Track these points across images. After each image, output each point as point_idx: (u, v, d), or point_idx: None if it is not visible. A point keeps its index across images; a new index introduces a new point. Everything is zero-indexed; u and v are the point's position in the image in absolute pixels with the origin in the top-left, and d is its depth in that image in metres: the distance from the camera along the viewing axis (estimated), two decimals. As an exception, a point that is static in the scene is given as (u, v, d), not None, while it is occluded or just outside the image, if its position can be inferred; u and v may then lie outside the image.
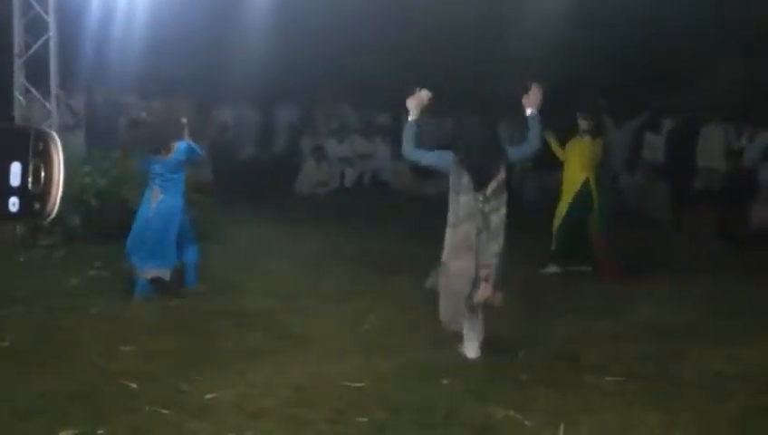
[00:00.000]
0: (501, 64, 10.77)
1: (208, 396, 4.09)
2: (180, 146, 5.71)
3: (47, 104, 8.11)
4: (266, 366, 4.54)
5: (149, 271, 5.74)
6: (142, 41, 9.73)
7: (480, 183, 4.67)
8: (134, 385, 4.18)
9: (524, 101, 4.89)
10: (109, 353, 4.67)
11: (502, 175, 4.74)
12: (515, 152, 5.05)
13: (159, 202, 5.70)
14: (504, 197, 4.75)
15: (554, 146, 7.22)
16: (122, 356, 4.66)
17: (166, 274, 5.78)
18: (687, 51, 11.17)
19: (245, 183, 9.80)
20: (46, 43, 7.94)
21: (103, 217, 7.58)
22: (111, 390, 4.14)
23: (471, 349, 4.81)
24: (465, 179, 4.67)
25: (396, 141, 13.43)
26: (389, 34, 11.48)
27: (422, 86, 4.92)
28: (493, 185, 4.68)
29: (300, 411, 3.94)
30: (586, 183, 7.15)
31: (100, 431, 3.64)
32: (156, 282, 5.79)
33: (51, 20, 7.91)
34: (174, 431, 3.70)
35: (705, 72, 11.43)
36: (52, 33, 7.91)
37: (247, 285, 6.43)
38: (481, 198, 4.66)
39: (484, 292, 4.68)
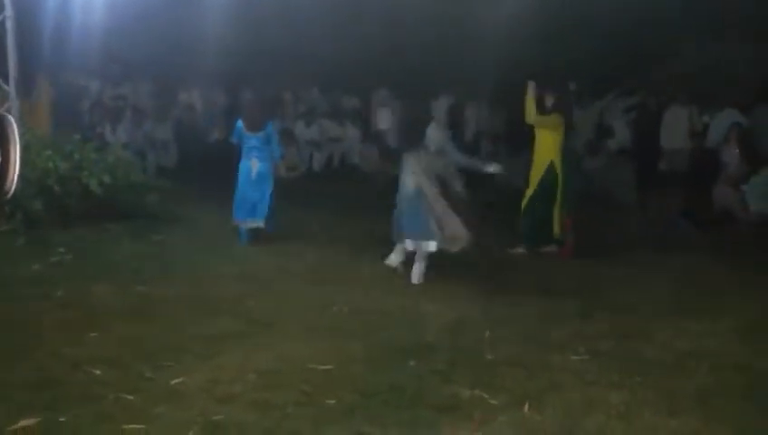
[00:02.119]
0: (471, 47, 10.76)
1: (175, 381, 4.05)
2: (269, 124, 7.39)
3: (5, 86, 7.91)
4: (234, 351, 4.51)
5: (250, 222, 7.33)
6: (104, 22, 9.52)
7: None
8: (98, 372, 4.12)
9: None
10: (72, 340, 4.59)
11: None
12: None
13: (258, 168, 7.29)
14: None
15: (529, 105, 7.24)
16: (86, 342, 4.58)
17: (261, 223, 7.34)
18: (654, 35, 11.27)
19: (212, 166, 9.68)
20: (3, 24, 7.72)
21: (65, 202, 7.44)
22: (75, 377, 4.07)
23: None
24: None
25: (364, 125, 13.45)
26: (358, 17, 11.39)
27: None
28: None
29: (268, 395, 3.92)
30: (551, 166, 7.23)
31: (62, 419, 3.58)
32: (253, 231, 7.36)
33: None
34: (140, 417, 3.65)
35: (673, 55, 11.56)
36: (9, 13, 7.70)
37: (215, 269, 6.38)
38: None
39: None
